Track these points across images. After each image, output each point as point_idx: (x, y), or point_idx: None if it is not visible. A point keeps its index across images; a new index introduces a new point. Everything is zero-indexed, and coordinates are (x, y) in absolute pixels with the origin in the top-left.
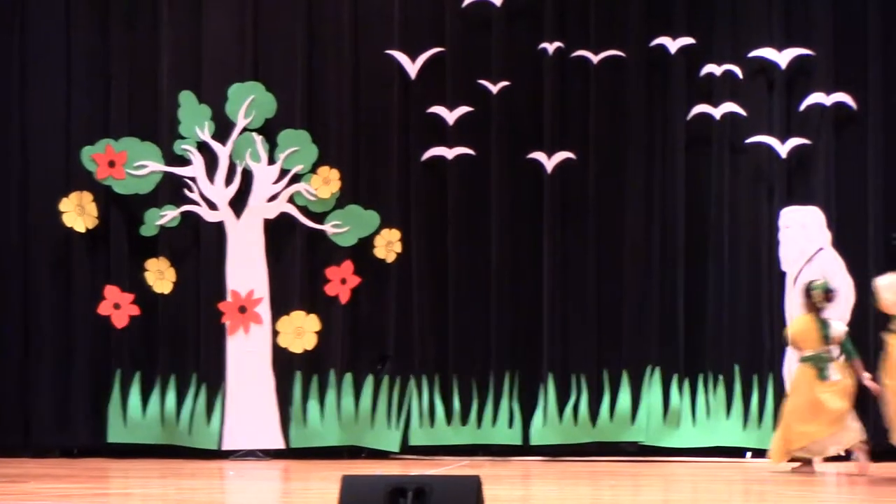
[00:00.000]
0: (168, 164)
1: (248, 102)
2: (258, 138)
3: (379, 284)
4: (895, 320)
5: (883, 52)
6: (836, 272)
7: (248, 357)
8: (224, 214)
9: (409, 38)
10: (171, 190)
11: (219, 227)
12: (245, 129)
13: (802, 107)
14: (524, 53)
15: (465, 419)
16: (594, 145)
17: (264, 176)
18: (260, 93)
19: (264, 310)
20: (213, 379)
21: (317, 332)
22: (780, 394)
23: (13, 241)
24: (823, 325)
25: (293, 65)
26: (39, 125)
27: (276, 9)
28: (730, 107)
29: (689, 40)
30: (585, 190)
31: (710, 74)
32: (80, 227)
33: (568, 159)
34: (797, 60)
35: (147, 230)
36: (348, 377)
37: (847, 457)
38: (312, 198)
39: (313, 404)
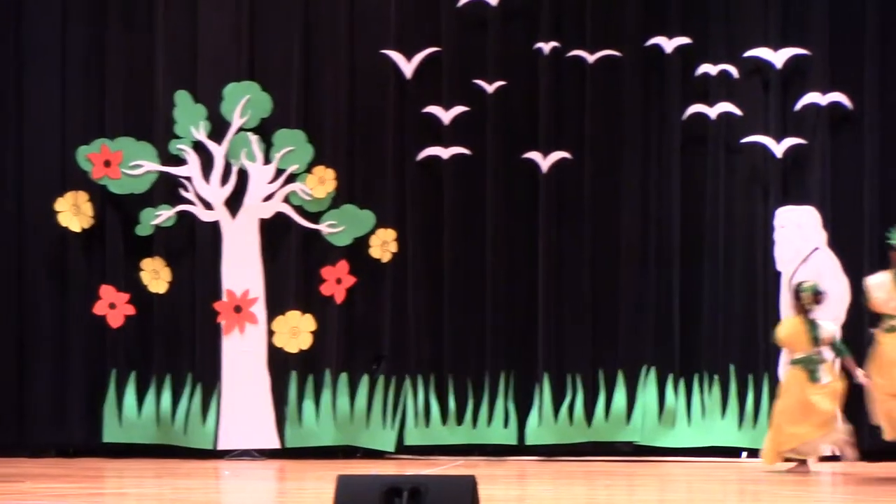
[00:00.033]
0: (163, 163)
1: (244, 102)
2: (254, 138)
3: (374, 284)
4: (886, 319)
5: (879, 51)
6: (831, 272)
7: (243, 357)
8: (219, 214)
9: (404, 38)
10: (167, 190)
11: (214, 227)
12: (240, 129)
13: (798, 107)
14: (520, 53)
15: (460, 419)
16: (590, 145)
17: (260, 176)
18: (255, 92)
19: (260, 309)
20: (209, 379)
21: (312, 332)
22: (775, 394)
23: (9, 241)
24: (812, 326)
25: (289, 64)
26: (35, 124)
27: (272, 8)
28: (725, 107)
29: (684, 40)
30: (581, 190)
31: (706, 74)
32: (76, 226)
33: (563, 159)
34: (793, 60)
35: (142, 230)
36: (344, 377)
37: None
38: (308, 197)
39: (309, 404)
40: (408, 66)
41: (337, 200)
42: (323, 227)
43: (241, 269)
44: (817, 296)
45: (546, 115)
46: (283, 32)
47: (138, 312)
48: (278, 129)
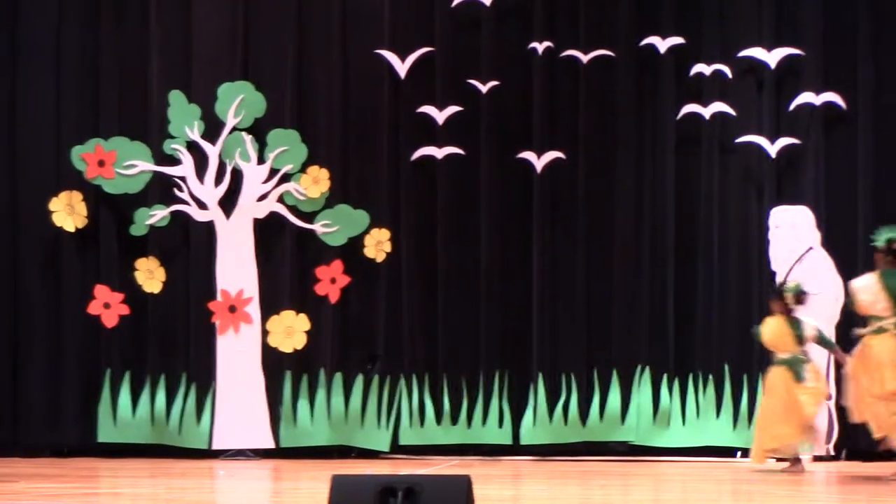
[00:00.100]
0: (158, 163)
1: (238, 102)
2: (248, 138)
3: (369, 284)
4: (873, 320)
5: (872, 51)
6: (825, 272)
7: (237, 356)
8: (214, 214)
9: (398, 38)
10: (161, 189)
11: (208, 227)
12: (235, 129)
13: (792, 106)
14: (514, 53)
15: (454, 419)
16: (584, 145)
17: (254, 175)
18: (249, 92)
19: (254, 309)
20: (203, 378)
21: (306, 332)
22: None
23: (3, 241)
24: (795, 325)
25: (283, 64)
26: (29, 124)
27: (266, 8)
28: (719, 106)
29: (678, 40)
30: (575, 189)
31: (700, 74)
32: (70, 226)
33: (557, 159)
34: (787, 60)
35: (137, 230)
36: (338, 377)
37: (837, 456)
38: (302, 197)
39: (303, 404)
40: (402, 66)
41: (331, 200)
42: (317, 227)
43: (236, 268)
44: (800, 296)
45: (540, 114)
46: (277, 32)
47: (133, 312)
48: (272, 129)
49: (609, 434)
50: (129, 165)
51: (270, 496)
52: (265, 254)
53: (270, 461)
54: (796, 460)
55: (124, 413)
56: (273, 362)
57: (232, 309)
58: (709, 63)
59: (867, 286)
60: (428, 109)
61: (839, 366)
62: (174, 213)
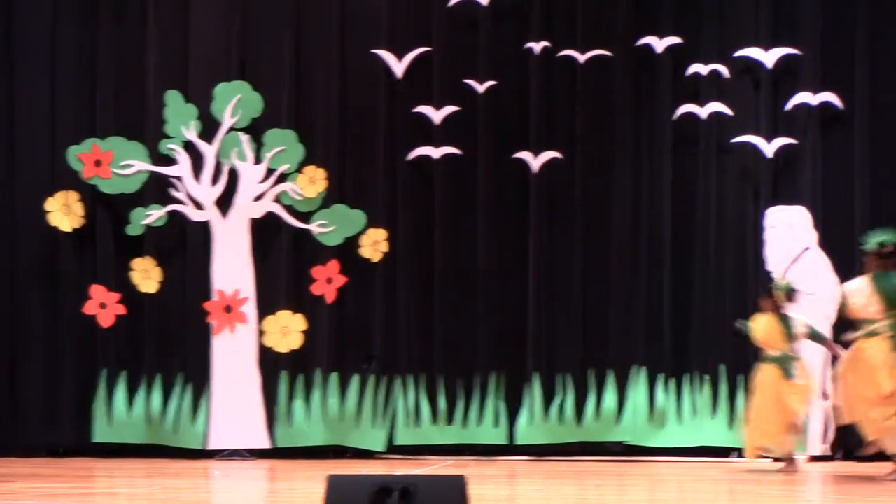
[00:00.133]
0: (154, 163)
1: (235, 102)
2: (244, 138)
3: (365, 284)
4: (865, 324)
5: (870, 51)
6: (822, 272)
7: (233, 356)
8: (210, 214)
9: (395, 38)
10: (158, 189)
11: (205, 227)
12: (231, 129)
13: (789, 106)
14: (511, 53)
15: (450, 419)
16: (581, 145)
17: (250, 175)
18: (246, 92)
19: (250, 309)
20: (199, 378)
21: (302, 332)
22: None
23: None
24: (786, 323)
25: (280, 64)
26: (26, 124)
27: (263, 8)
28: (716, 106)
29: (675, 40)
30: (572, 189)
31: (697, 74)
32: (66, 226)
33: (554, 159)
34: (784, 60)
35: (133, 229)
36: (334, 377)
37: (833, 456)
38: (298, 197)
39: (299, 404)
40: (399, 66)
41: (328, 200)
42: (314, 227)
43: (232, 268)
44: (790, 294)
45: (537, 114)
46: (274, 32)
47: (129, 312)
48: (269, 129)
49: (605, 434)
50: (126, 165)
51: (266, 496)
52: (261, 254)
53: (266, 461)
54: (791, 460)
55: (120, 413)
56: (269, 362)
57: (228, 309)
58: (706, 63)
59: (859, 289)
60: (425, 109)
61: (835, 360)
62: (170, 213)
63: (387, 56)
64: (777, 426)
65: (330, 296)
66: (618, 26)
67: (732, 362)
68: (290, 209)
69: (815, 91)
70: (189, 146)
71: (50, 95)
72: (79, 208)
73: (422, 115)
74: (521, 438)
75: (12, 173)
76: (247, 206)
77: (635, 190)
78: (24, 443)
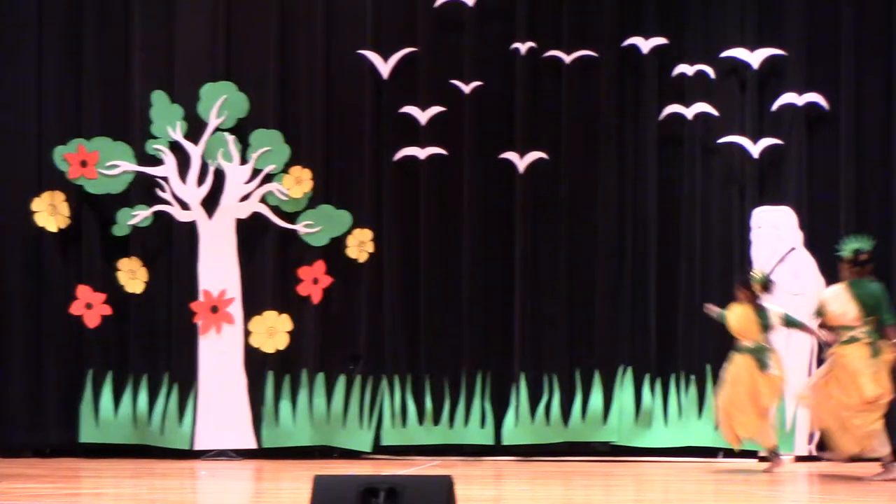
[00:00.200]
0: (140, 163)
1: (221, 102)
2: (230, 138)
3: (351, 284)
4: (843, 331)
5: (855, 52)
6: (808, 272)
7: (220, 357)
8: (196, 214)
9: (381, 38)
10: (144, 190)
11: (191, 227)
12: (217, 129)
13: (775, 107)
14: (496, 53)
15: (437, 419)
16: (566, 145)
17: (236, 176)
18: (232, 93)
19: (236, 310)
20: (185, 379)
21: (289, 332)
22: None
23: None
24: (762, 313)
25: (265, 65)
26: (11, 124)
27: (249, 9)
28: (702, 107)
29: (661, 40)
30: (557, 190)
31: (683, 74)
32: (52, 226)
33: (540, 159)
34: (769, 60)
35: (119, 230)
36: (320, 377)
37: (819, 457)
38: (284, 197)
39: (285, 404)
40: (384, 67)
41: (314, 201)
42: (300, 228)
43: (218, 269)
44: (766, 285)
45: (522, 115)
46: (259, 33)
47: (115, 312)
48: (255, 130)
49: (591, 434)
50: (112, 166)
51: (252, 497)
52: (247, 254)
53: (252, 461)
54: (775, 457)
55: (106, 413)
56: (255, 363)
57: (214, 309)
58: (691, 63)
59: (836, 296)
60: (411, 110)
61: (822, 349)
62: (156, 214)
63: (373, 57)
64: (753, 417)
65: (316, 296)
66: (604, 27)
67: (718, 362)
68: (277, 209)
69: (801, 91)
70: (175, 147)
71: (36, 96)
72: (65, 209)
73: (408, 116)
74: (508, 439)
75: None
76: (233, 207)
77: (621, 190)
78: (10, 443)
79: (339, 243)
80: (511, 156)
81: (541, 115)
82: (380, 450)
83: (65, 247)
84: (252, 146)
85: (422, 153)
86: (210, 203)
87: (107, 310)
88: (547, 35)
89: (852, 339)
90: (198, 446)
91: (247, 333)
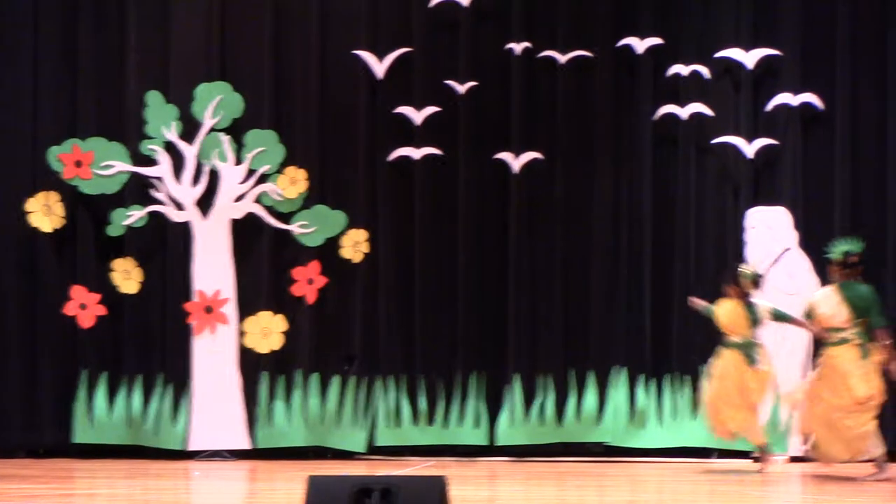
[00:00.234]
0: (135, 164)
1: (216, 102)
2: (225, 138)
3: (346, 285)
4: (833, 332)
5: (850, 52)
6: (802, 272)
7: (214, 357)
8: (191, 214)
9: (376, 39)
10: (138, 190)
11: (185, 228)
12: (212, 129)
13: (769, 107)
14: (491, 54)
15: (431, 419)
16: (561, 146)
17: (231, 176)
18: (227, 93)
19: (231, 310)
20: (180, 379)
21: (283, 333)
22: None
23: None
24: (751, 309)
25: (260, 65)
26: (6, 125)
27: (243, 9)
28: (697, 107)
29: (656, 41)
30: (552, 190)
31: (678, 75)
32: (47, 226)
33: (535, 159)
34: (764, 61)
35: (114, 230)
36: (315, 377)
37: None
38: (279, 198)
39: (279, 405)
40: (379, 67)
41: (308, 201)
42: (294, 228)
43: (213, 269)
44: (756, 281)
45: (517, 115)
46: (254, 33)
47: (109, 313)
48: (250, 130)
49: (585, 435)
50: (107, 166)
51: (246, 497)
52: (242, 254)
53: (247, 462)
54: (766, 455)
55: (100, 414)
56: (249, 363)
57: (208, 309)
58: (686, 63)
59: (825, 298)
60: (405, 110)
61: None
62: (151, 214)
63: (367, 57)
64: (742, 411)
65: (311, 296)
66: (599, 27)
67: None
68: (271, 210)
69: (796, 92)
70: (170, 147)
71: (31, 96)
72: (59, 209)
73: (403, 116)
74: (502, 439)
75: None
76: (227, 207)
77: (616, 190)
78: (4, 444)
79: (333, 244)
80: (506, 156)
81: (536, 115)
82: (374, 450)
83: (59, 247)
84: (247, 146)
85: (417, 153)
86: (205, 203)
87: (101, 310)
88: (542, 35)
89: (842, 341)
90: (192, 447)
91: (241, 334)
